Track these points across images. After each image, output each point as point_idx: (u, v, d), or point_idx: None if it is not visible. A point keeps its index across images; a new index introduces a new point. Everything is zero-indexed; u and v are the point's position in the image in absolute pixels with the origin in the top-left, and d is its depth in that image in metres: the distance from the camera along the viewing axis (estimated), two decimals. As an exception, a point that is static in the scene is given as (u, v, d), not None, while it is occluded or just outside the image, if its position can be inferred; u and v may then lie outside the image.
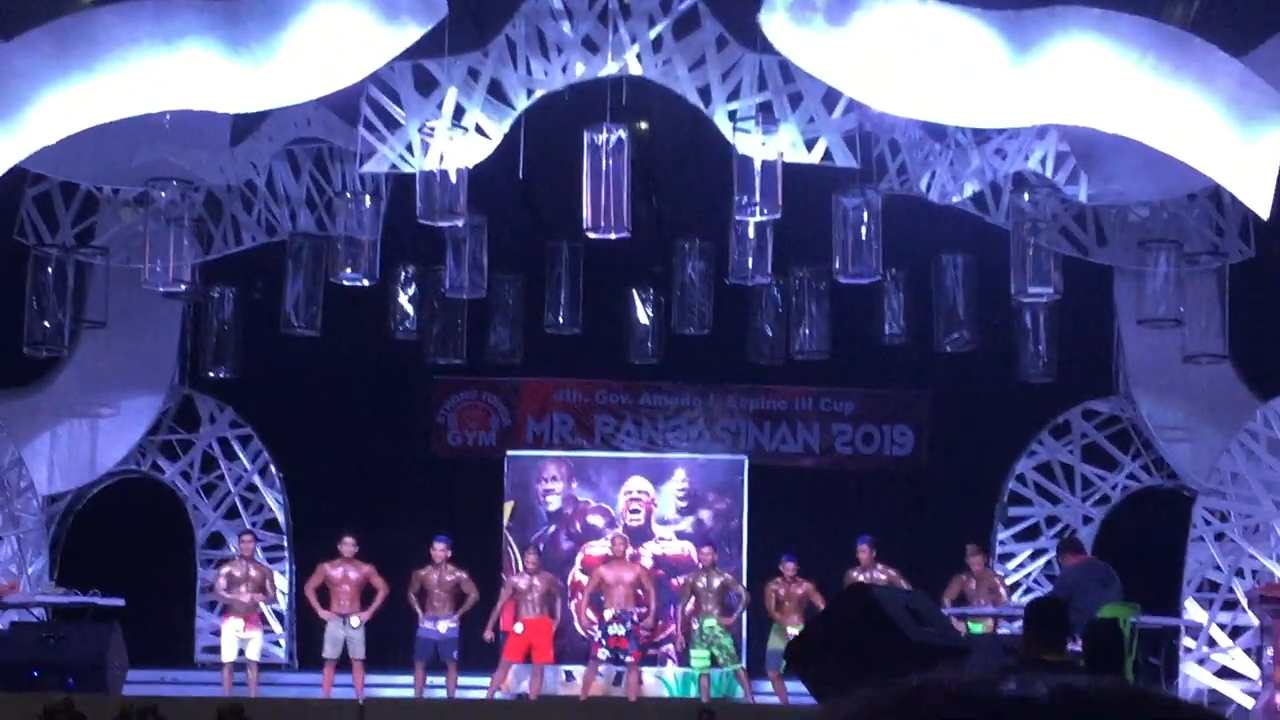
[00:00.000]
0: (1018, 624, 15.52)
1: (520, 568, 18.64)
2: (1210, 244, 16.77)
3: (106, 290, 18.11)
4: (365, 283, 16.88)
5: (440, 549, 17.53)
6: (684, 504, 19.98)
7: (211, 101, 13.64)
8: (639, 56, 14.71)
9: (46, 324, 17.45)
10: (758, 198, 14.77)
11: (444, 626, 17.31)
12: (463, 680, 17.48)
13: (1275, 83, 13.13)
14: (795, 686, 14.98)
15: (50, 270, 17.39)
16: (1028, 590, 19.04)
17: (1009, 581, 19.37)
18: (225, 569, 17.73)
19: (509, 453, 20.39)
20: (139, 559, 19.13)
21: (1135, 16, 13.31)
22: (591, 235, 15.11)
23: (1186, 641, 16.92)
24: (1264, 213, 13.18)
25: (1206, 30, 13.62)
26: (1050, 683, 0.93)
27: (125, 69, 13.30)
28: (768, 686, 17.70)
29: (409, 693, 17.31)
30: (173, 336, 19.57)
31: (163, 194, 16.36)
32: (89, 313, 18.28)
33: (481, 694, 17.43)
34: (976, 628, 17.35)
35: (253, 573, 17.55)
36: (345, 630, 17.21)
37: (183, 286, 17.00)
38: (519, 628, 17.47)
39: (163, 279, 16.55)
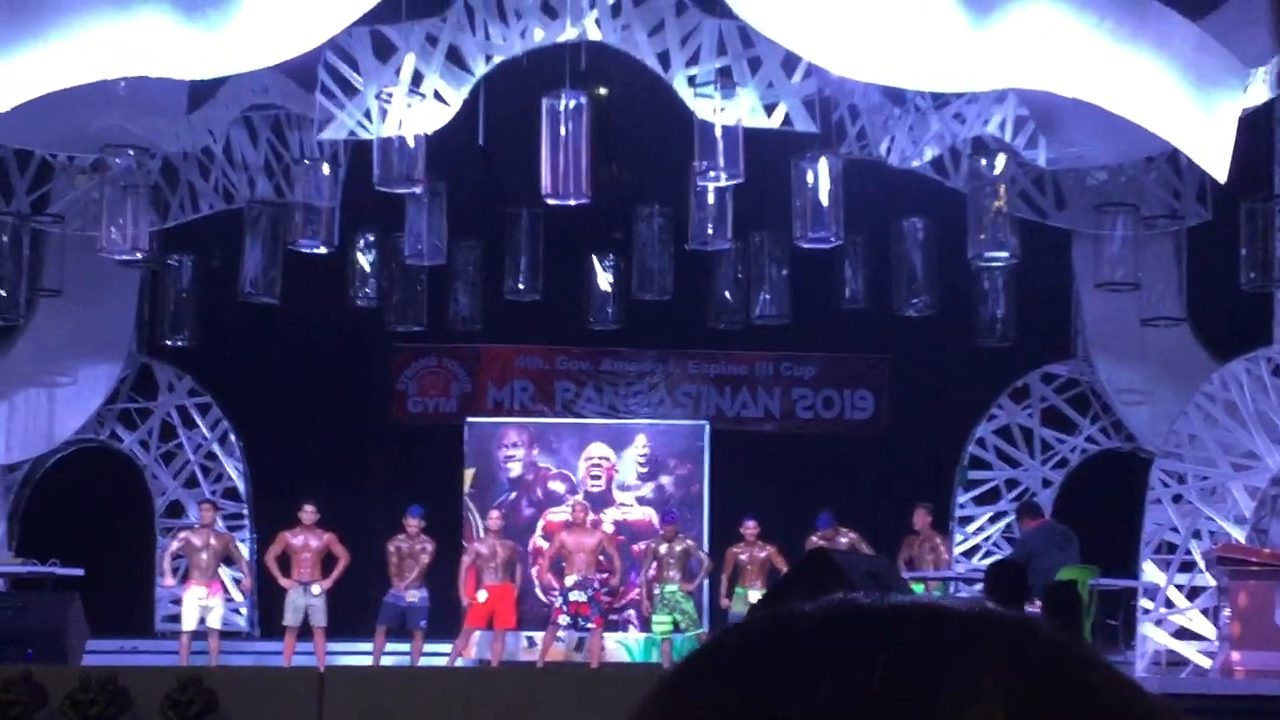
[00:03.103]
0: (977, 586, 15.61)
1: (481, 532, 18.66)
2: (1168, 207, 16.83)
3: (63, 258, 17.98)
4: (324, 250, 16.81)
5: (414, 522, 17.50)
6: (645, 470, 20.00)
7: (167, 68, 13.53)
8: (598, 22, 14.65)
9: (2, 293, 17.32)
10: (718, 163, 14.75)
11: (413, 595, 17.30)
12: (426, 647, 17.48)
13: (1232, 47, 13.17)
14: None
15: (5, 238, 17.25)
16: (987, 553, 19.12)
17: (968, 545, 19.46)
18: (184, 535, 17.70)
19: (469, 419, 20.37)
20: (98, 528, 19.06)
21: (1093, -20, 13.31)
22: (551, 201, 15.07)
23: (1144, 603, 17.01)
24: (1221, 176, 13.23)
25: (1164, -6, 13.63)
26: (838, 598, 0.89)
27: (80, 36, 13.19)
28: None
29: (371, 660, 17.30)
30: (130, 305, 19.44)
31: (118, 161, 16.24)
32: (45, 281, 18.15)
33: (443, 660, 17.43)
34: (918, 588, 17.39)
35: (213, 541, 17.52)
36: (306, 598, 17.19)
37: (139, 254, 16.89)
38: (482, 595, 17.46)
39: (119, 247, 16.44)
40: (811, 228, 16.00)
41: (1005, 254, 16.37)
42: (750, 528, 17.77)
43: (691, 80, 14.72)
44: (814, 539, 17.37)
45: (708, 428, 20.38)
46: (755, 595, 16.54)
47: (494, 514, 18.44)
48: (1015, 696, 0.81)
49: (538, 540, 19.53)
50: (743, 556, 17.71)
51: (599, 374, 21.17)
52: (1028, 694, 0.82)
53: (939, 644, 0.84)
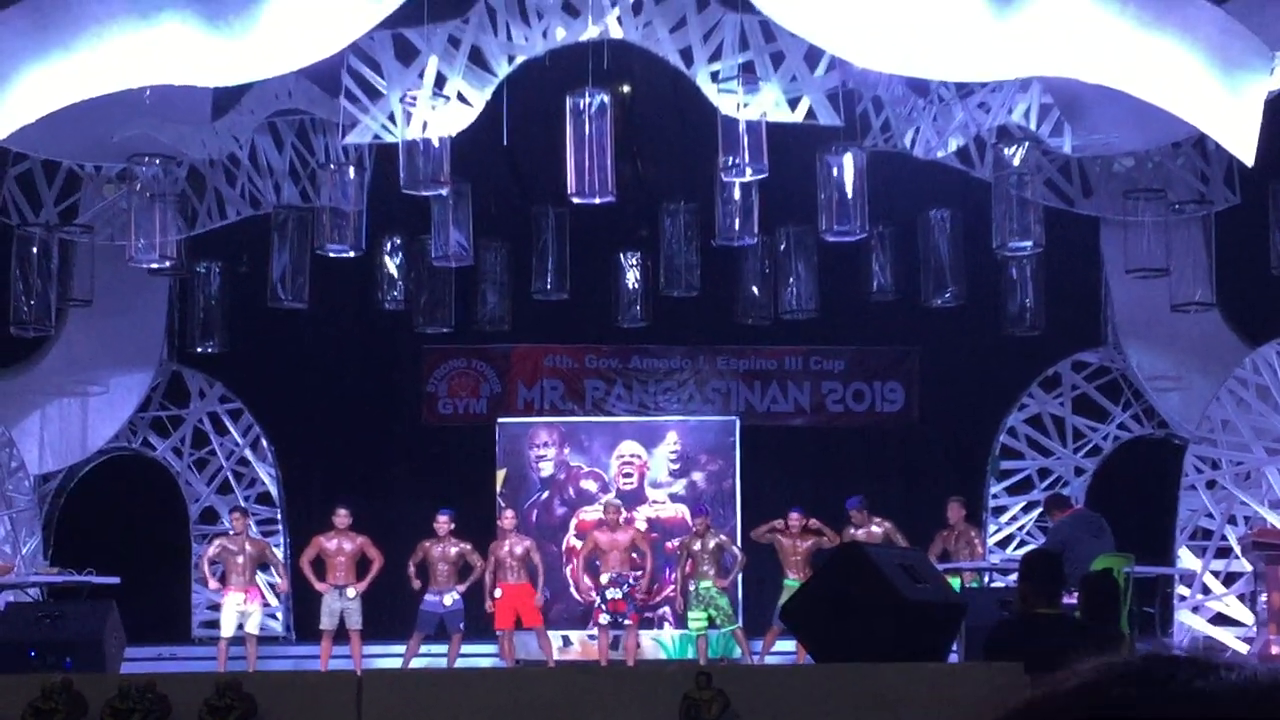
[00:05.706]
0: (1012, 577, 15.56)
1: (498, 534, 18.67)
2: (1196, 192, 16.76)
3: (92, 268, 18.04)
4: (351, 254, 16.85)
5: (444, 521, 17.51)
6: (676, 466, 19.99)
7: (191, 76, 13.56)
8: (619, 19, 14.64)
9: (32, 303, 17.38)
10: (742, 158, 14.74)
11: (449, 600, 17.30)
12: (463, 649, 17.49)
13: (1257, 29, 13.10)
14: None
15: (34, 249, 17.30)
16: (1021, 543, 19.08)
17: (1002, 535, 19.41)
18: (220, 542, 17.75)
19: (500, 420, 20.39)
20: (133, 536, 19.14)
21: (1116, -34, 13.25)
22: (577, 200, 15.08)
23: (1180, 589, 16.97)
24: (1249, 160, 13.15)
25: (1187, -22, 13.55)
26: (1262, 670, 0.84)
27: (104, 45, 13.23)
28: (776, 645, 17.68)
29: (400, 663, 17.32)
30: (160, 312, 19.53)
31: (145, 170, 16.30)
32: (75, 291, 18.22)
33: (478, 662, 17.44)
34: (955, 582, 17.36)
35: (249, 547, 17.58)
36: (341, 601, 17.23)
37: (168, 262, 16.94)
38: (497, 593, 17.44)
39: (148, 255, 16.49)
40: (837, 221, 15.97)
41: (1029, 243, 16.33)
42: (795, 519, 17.67)
43: (714, 76, 14.70)
44: (850, 529, 17.35)
45: (738, 423, 20.36)
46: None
47: (508, 514, 18.35)
48: None
49: (571, 539, 19.54)
50: (787, 544, 17.66)
51: (628, 372, 21.17)
52: None
53: None
